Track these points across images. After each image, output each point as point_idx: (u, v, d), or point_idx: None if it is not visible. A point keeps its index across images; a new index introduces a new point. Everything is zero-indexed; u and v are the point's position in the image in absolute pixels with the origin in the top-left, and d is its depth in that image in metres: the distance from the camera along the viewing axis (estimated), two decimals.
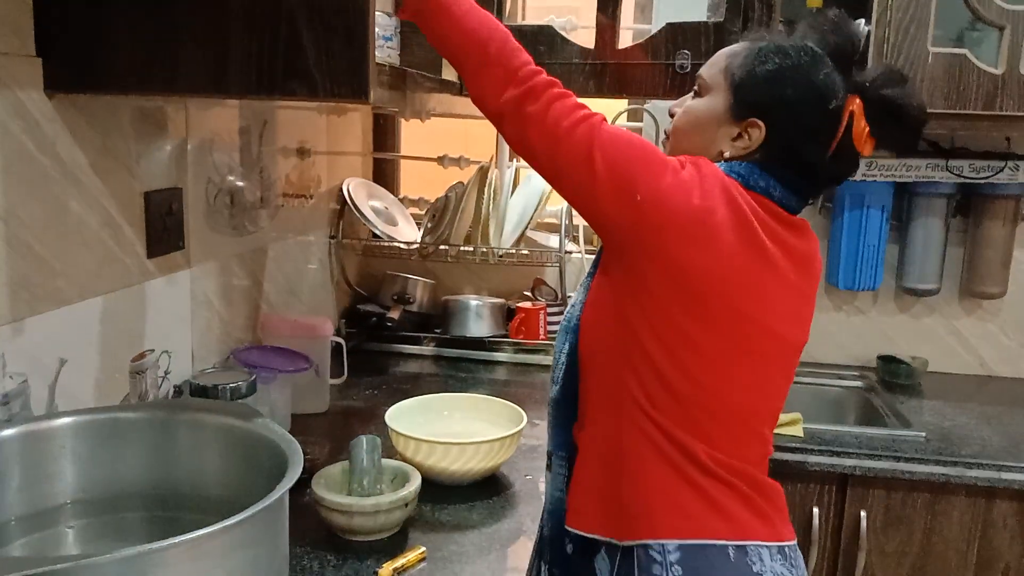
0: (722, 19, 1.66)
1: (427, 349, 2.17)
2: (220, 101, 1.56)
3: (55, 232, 1.16)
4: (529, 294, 2.29)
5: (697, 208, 1.04)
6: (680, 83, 1.69)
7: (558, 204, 2.20)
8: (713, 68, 1.17)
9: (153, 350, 1.39)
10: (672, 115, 1.21)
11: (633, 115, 2.26)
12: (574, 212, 1.98)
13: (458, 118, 2.18)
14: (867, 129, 1.11)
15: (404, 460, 1.33)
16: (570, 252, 2.20)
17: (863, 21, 1.69)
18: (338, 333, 2.03)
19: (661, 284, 1.06)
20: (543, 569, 1.22)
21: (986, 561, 1.71)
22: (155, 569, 0.74)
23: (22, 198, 1.10)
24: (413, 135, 2.48)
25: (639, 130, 2.25)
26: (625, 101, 2.20)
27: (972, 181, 2.08)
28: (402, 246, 2.24)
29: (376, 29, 1.05)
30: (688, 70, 1.64)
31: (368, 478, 1.23)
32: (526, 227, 2.20)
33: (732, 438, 1.11)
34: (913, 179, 2.10)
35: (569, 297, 2.22)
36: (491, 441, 1.35)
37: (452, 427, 1.50)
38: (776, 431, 1.50)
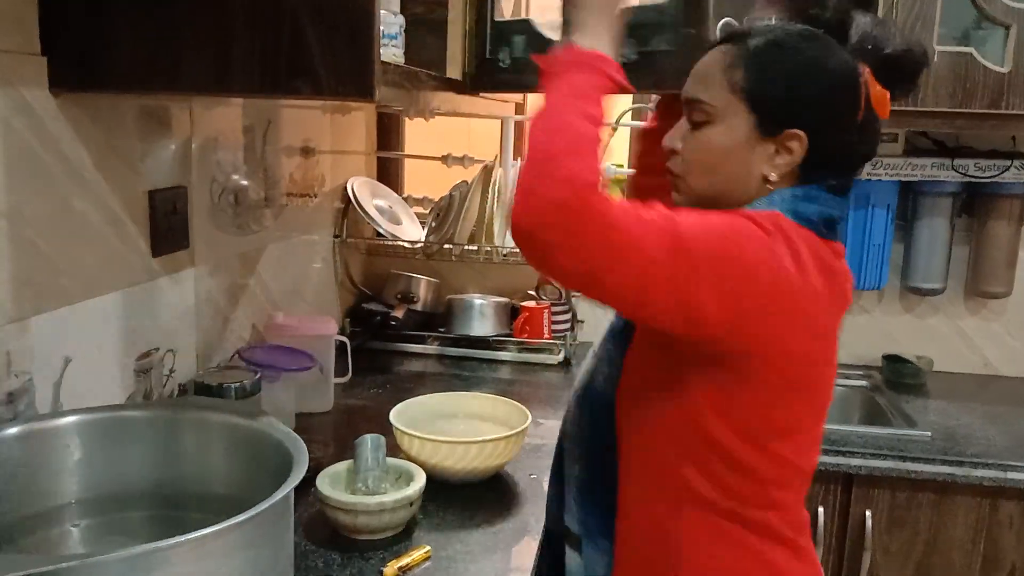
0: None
1: (431, 348, 2.16)
2: (224, 100, 1.56)
3: (60, 230, 1.16)
4: (533, 293, 2.28)
5: (798, 283, 0.93)
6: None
7: None
8: (712, 88, 0.99)
9: (158, 349, 1.39)
10: (675, 151, 1.03)
11: (636, 115, 2.26)
12: None
13: (462, 117, 2.18)
14: (883, 92, 1.00)
15: (409, 459, 1.33)
16: None
17: None
18: (342, 332, 2.03)
19: (758, 373, 0.96)
20: None
21: (991, 561, 1.70)
22: (160, 568, 0.74)
23: (27, 196, 1.10)
24: (417, 134, 2.48)
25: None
26: (629, 100, 2.19)
27: (977, 180, 2.08)
28: (406, 245, 2.25)
29: (381, 27, 1.05)
30: (635, 58, 1.34)
31: (373, 477, 1.24)
32: None
33: (803, 491, 1.06)
34: (918, 178, 2.10)
35: (574, 298, 2.23)
36: (495, 440, 1.35)
37: (456, 426, 1.50)
38: None
